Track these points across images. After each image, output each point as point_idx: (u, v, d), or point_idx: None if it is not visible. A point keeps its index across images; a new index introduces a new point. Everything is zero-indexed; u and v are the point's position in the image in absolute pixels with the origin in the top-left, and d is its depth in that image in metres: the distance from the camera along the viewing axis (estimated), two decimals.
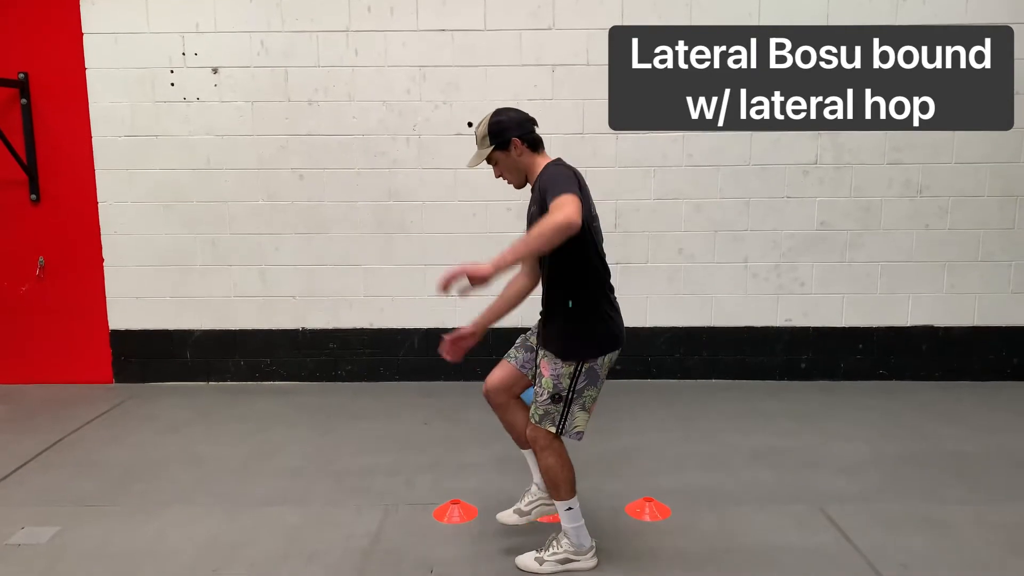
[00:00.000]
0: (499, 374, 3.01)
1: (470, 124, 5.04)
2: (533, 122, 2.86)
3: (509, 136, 2.77)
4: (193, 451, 4.15)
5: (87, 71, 5.04)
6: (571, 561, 2.88)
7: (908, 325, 5.28)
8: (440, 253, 5.19)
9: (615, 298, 2.85)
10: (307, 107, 5.05)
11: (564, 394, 2.74)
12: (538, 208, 2.68)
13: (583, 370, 2.73)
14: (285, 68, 5.01)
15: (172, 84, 5.03)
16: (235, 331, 5.29)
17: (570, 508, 2.85)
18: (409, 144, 5.09)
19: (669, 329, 5.26)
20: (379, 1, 4.93)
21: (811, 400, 4.94)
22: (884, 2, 4.95)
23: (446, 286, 2.56)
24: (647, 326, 5.24)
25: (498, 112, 2.86)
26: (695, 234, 5.17)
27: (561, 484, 2.82)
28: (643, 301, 5.22)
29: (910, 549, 3.05)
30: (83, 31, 5.00)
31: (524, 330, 3.14)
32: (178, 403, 4.95)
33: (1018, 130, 4.98)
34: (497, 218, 5.15)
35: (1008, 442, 4.19)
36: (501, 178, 2.92)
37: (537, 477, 3.04)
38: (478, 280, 2.47)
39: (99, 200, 5.16)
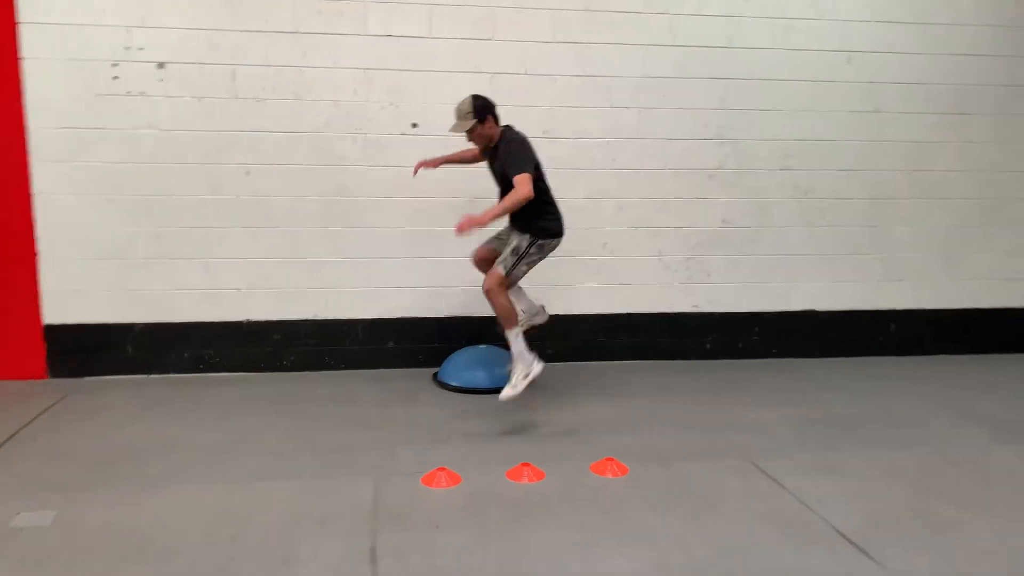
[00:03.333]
0: (483, 251, 4.71)
1: (414, 125, 5.36)
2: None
3: (487, 114, 4.29)
4: (164, 437, 4.24)
5: (22, 61, 4.96)
6: (528, 374, 4.26)
7: (795, 310, 6.08)
8: (386, 246, 5.48)
9: (556, 208, 4.49)
10: (255, 104, 5.20)
11: (520, 252, 4.33)
12: (501, 167, 4.31)
13: (538, 245, 4.36)
14: (233, 66, 5.14)
15: (115, 77, 5.05)
16: (178, 324, 5.35)
17: (517, 334, 4.29)
18: (356, 142, 5.35)
19: (595, 316, 5.80)
20: (328, 5, 5.16)
21: (719, 376, 5.62)
22: None
23: (464, 229, 4.01)
24: (575, 313, 5.76)
25: (477, 96, 4.32)
26: (618, 230, 5.74)
27: (511, 316, 4.29)
28: (572, 291, 5.73)
29: (824, 488, 3.69)
30: (17, 20, 4.92)
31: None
32: (126, 395, 4.97)
33: (882, 142, 5.90)
34: (440, 213, 5.50)
35: (882, 405, 5.00)
36: (472, 142, 4.45)
37: (524, 305, 4.71)
38: (477, 225, 4.03)
39: (34, 192, 5.08)
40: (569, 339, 5.76)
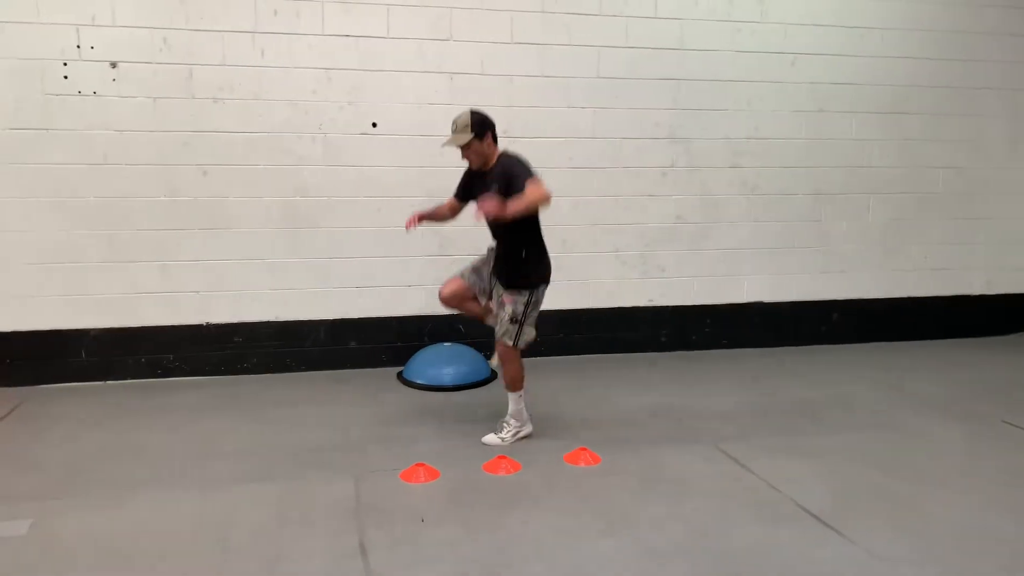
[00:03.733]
0: (452, 287, 4.20)
1: (375, 124, 5.38)
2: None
3: (485, 131, 3.91)
4: (131, 443, 4.17)
5: None
6: (519, 432, 4.16)
7: (744, 301, 6.32)
8: (346, 247, 5.48)
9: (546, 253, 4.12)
10: (212, 104, 5.13)
11: (519, 318, 3.99)
12: (501, 186, 3.81)
13: (532, 301, 4.01)
14: (189, 66, 5.06)
15: (65, 77, 4.91)
16: (135, 328, 5.24)
17: (520, 396, 4.17)
18: (315, 142, 5.33)
19: (556, 312, 5.89)
20: (286, 5, 5.14)
21: (675, 367, 5.80)
22: None
23: (490, 212, 3.67)
24: None
25: (475, 111, 3.93)
26: (575, 227, 5.85)
27: (519, 380, 4.15)
28: None
29: (789, 470, 3.88)
30: None
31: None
32: (83, 402, 4.85)
33: (824, 140, 6.18)
34: (400, 213, 5.47)
35: (833, 390, 5.26)
36: (465, 159, 4.02)
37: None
38: (500, 214, 3.66)
39: None
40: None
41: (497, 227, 3.98)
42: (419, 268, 5.61)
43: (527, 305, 3.99)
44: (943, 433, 4.46)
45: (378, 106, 5.37)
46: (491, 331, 4.25)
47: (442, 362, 5.31)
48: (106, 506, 3.42)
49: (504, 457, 3.91)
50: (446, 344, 5.52)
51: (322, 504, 3.47)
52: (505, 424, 4.20)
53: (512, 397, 4.17)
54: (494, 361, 4.36)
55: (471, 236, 5.56)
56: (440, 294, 4.23)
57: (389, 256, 5.55)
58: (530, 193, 3.69)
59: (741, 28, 5.88)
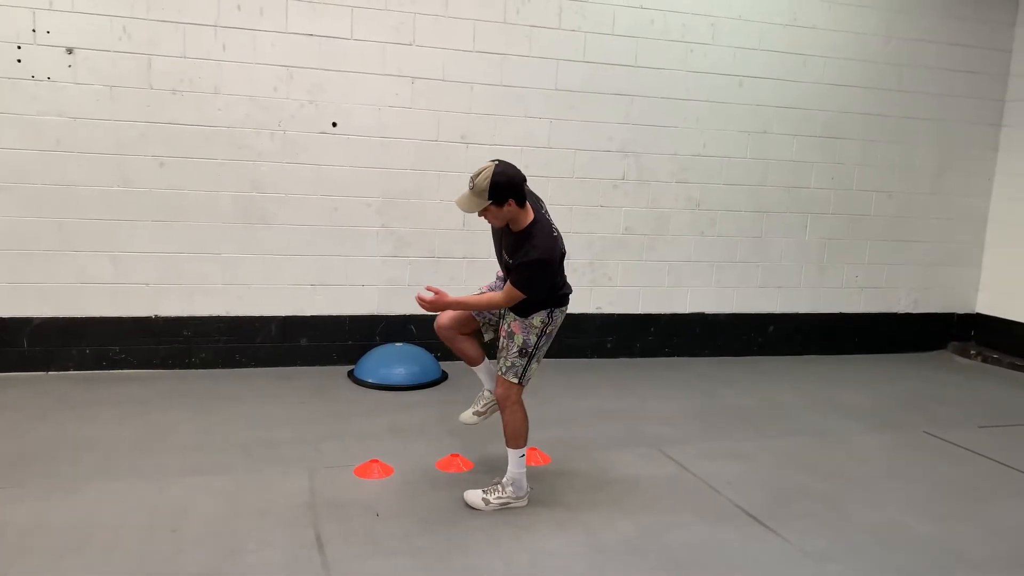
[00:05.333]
0: (453, 314, 3.63)
1: (335, 124, 5.42)
2: (524, 181, 3.28)
3: (507, 197, 3.19)
4: (77, 435, 4.12)
5: None
6: (509, 505, 3.51)
7: (686, 312, 6.55)
8: (301, 244, 5.50)
9: (565, 277, 3.56)
10: (171, 96, 5.10)
11: (530, 350, 3.43)
12: (509, 257, 3.34)
13: (547, 332, 3.46)
14: (148, 56, 5.02)
15: (19, 60, 4.82)
16: (81, 318, 5.16)
17: (522, 455, 3.51)
18: (274, 139, 5.34)
19: None
20: (249, 2, 5.14)
21: (620, 373, 5.98)
22: None
23: (428, 308, 3.40)
24: None
25: (500, 170, 3.19)
26: None
27: (521, 435, 3.50)
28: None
29: (729, 472, 4.09)
30: None
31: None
32: (25, 393, 4.76)
33: (766, 160, 6.47)
34: (357, 213, 5.57)
35: (767, 398, 5.52)
36: (484, 219, 3.33)
37: (489, 384, 3.74)
38: (441, 308, 3.44)
39: None
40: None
41: (502, 251, 3.48)
42: (374, 268, 5.67)
43: (540, 335, 3.43)
44: (868, 440, 4.75)
45: (339, 106, 5.41)
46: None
47: (394, 362, 5.37)
48: (56, 497, 3.40)
49: (458, 455, 4.00)
50: (397, 344, 5.58)
51: (277, 497, 3.51)
52: (498, 487, 3.51)
53: (512, 457, 3.47)
54: (467, 414, 3.84)
55: (428, 237, 5.72)
56: (437, 322, 3.68)
57: (343, 255, 5.59)
58: (491, 297, 3.42)
59: (693, 49, 6.11)
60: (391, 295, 5.74)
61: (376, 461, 3.87)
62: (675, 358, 6.53)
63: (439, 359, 5.62)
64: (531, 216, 3.32)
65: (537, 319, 3.42)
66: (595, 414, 4.94)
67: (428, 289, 3.44)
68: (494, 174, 3.16)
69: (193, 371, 5.39)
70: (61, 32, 4.86)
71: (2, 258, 4.97)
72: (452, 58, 5.59)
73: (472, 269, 5.75)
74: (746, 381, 5.95)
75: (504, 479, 3.53)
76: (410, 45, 5.50)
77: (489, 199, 3.17)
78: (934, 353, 7.27)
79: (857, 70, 6.59)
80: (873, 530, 3.53)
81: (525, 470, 3.53)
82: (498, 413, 3.66)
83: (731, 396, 5.53)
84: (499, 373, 3.52)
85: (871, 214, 6.91)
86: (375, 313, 5.72)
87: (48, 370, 5.15)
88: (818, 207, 6.74)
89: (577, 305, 6.15)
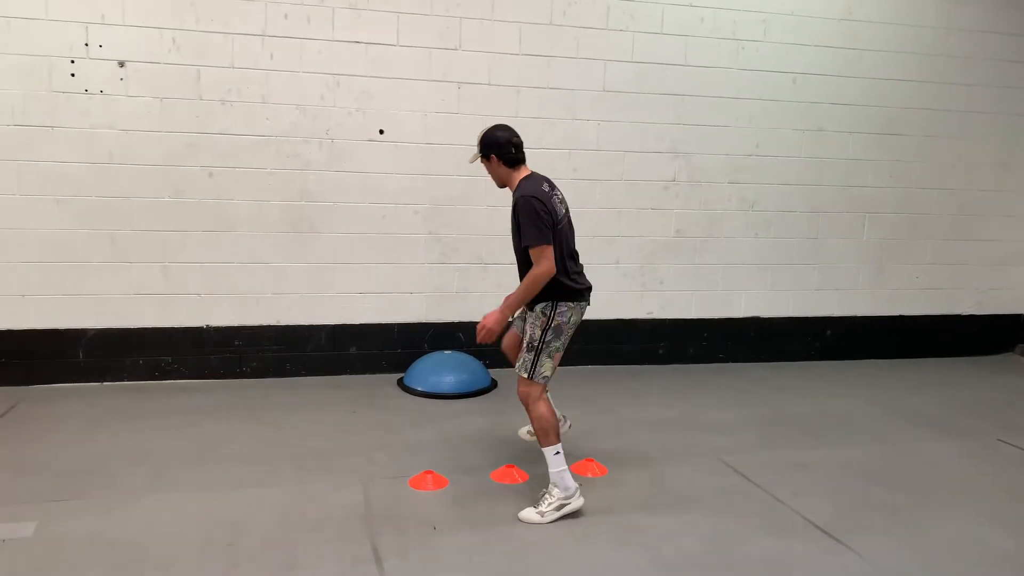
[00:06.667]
0: (509, 337, 3.91)
1: (381, 131, 5.39)
2: (515, 145, 3.57)
3: (490, 152, 3.58)
4: (132, 446, 4.13)
5: None
6: (564, 505, 3.42)
7: (740, 316, 6.38)
8: (349, 252, 5.47)
9: (579, 271, 3.67)
10: (219, 106, 5.11)
11: (536, 343, 3.47)
12: (514, 227, 3.53)
13: (551, 326, 3.46)
14: (197, 67, 5.04)
15: (72, 75, 4.87)
16: (134, 329, 5.20)
17: (557, 452, 3.45)
18: (322, 147, 5.32)
19: None
20: (296, 9, 5.13)
21: (673, 380, 5.84)
22: None
23: (485, 340, 3.48)
24: None
25: (493, 129, 3.62)
26: (578, 239, 5.86)
27: (550, 430, 3.45)
28: None
29: (794, 482, 3.93)
30: None
31: None
32: (81, 403, 4.79)
33: (821, 159, 6.28)
34: (404, 220, 5.53)
35: (827, 405, 5.32)
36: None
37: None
38: (495, 331, 3.47)
39: None
40: None
41: (517, 252, 3.60)
42: (421, 275, 5.62)
43: (545, 329, 3.45)
44: (938, 449, 4.54)
45: (385, 113, 5.38)
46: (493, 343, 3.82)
47: (443, 369, 5.31)
48: (112, 510, 3.39)
49: (513, 467, 3.91)
50: (447, 352, 5.52)
51: (332, 509, 3.46)
52: (546, 496, 3.44)
53: (547, 456, 3.44)
54: (523, 430, 4.13)
55: (475, 244, 5.65)
56: (503, 343, 3.92)
57: (391, 263, 5.56)
58: (527, 279, 3.40)
59: (745, 46, 5.96)
60: (439, 302, 5.68)
61: (430, 472, 3.80)
62: (729, 364, 6.36)
63: (488, 367, 5.55)
64: (523, 175, 3.59)
65: (539, 308, 3.48)
66: (651, 423, 4.81)
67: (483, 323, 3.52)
68: (486, 130, 3.62)
69: (244, 381, 5.39)
70: (113, 46, 4.91)
71: (58, 270, 5.03)
72: (498, 62, 5.53)
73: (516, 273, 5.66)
74: (804, 387, 5.77)
75: (549, 484, 3.47)
76: (456, 50, 5.44)
77: (480, 152, 3.61)
78: (1000, 356, 6.98)
79: (915, 64, 6.36)
80: (951, 545, 3.35)
81: (566, 467, 3.46)
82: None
83: (789, 403, 5.35)
84: (518, 373, 3.56)
85: (932, 212, 6.66)
86: (423, 320, 5.67)
87: (103, 381, 5.19)
88: (876, 206, 6.52)
89: (627, 310, 6.09)
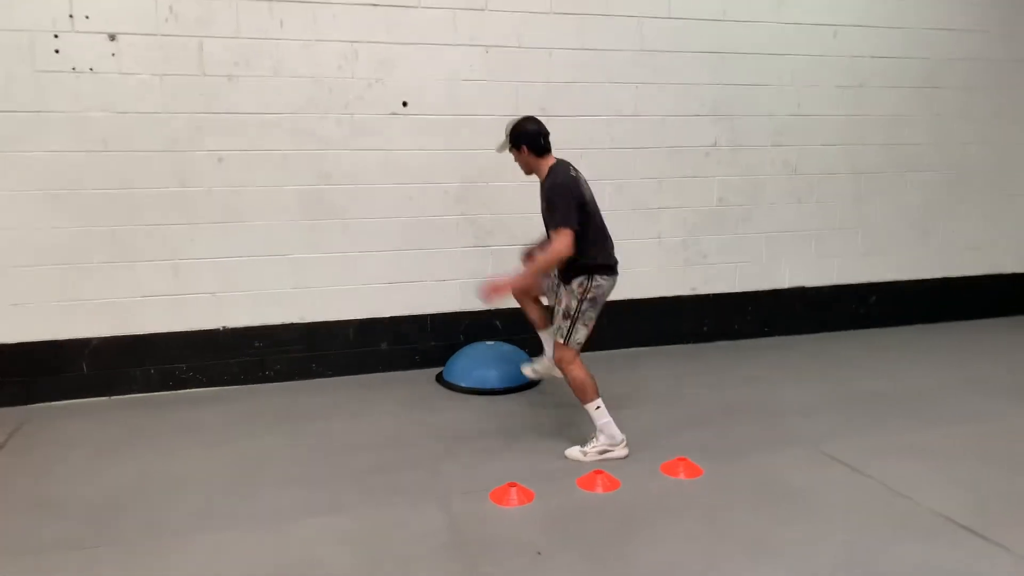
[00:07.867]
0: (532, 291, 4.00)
1: (405, 104, 4.89)
2: (543, 135, 3.72)
3: (520, 143, 3.73)
4: (160, 473, 3.63)
5: None
6: (608, 452, 3.70)
7: (785, 287, 6.02)
8: (374, 239, 4.98)
9: (610, 247, 3.78)
10: (226, 82, 4.56)
11: (572, 313, 3.66)
12: (546, 210, 3.67)
13: (588, 297, 3.64)
14: (199, 38, 4.48)
15: (57, 51, 4.29)
16: (142, 336, 4.67)
17: (598, 407, 3.69)
18: (341, 124, 4.80)
19: None
20: None
21: (723, 358, 5.47)
22: None
23: (489, 297, 3.66)
24: None
25: (523, 122, 3.75)
26: (617, 212, 5.43)
27: (588, 388, 3.68)
28: None
29: (910, 472, 3.56)
30: None
31: None
32: (90, 422, 4.27)
33: (862, 116, 5.91)
34: (435, 202, 5.05)
35: (899, 378, 4.99)
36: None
37: (549, 351, 3.95)
38: (502, 292, 3.65)
39: None
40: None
41: (545, 223, 3.72)
42: (454, 261, 5.15)
43: (581, 300, 3.65)
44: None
45: (408, 83, 4.87)
46: (530, 329, 4.13)
47: (487, 363, 4.87)
48: (154, 555, 2.90)
49: (600, 472, 3.50)
50: (488, 343, 5.08)
51: (413, 538, 3.02)
52: (592, 439, 3.75)
53: (590, 410, 3.72)
54: (529, 370, 4.19)
55: (510, 224, 5.19)
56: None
57: (421, 248, 5.08)
58: (543, 255, 3.61)
59: None
60: (474, 289, 5.20)
61: (515, 485, 3.37)
62: (775, 337, 6.02)
63: (532, 356, 5.11)
64: (551, 163, 3.73)
65: (575, 283, 3.65)
66: (724, 409, 4.44)
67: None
68: (515, 121, 3.75)
69: (268, 385, 4.90)
70: (101, 16, 4.32)
71: (54, 274, 4.47)
72: (528, 22, 5.04)
73: None
74: (864, 359, 5.44)
75: (596, 431, 3.73)
76: (483, 10, 4.94)
77: (508, 143, 3.75)
78: None
79: (958, 11, 5.99)
80: None
81: (610, 418, 3.71)
82: (557, 379, 4.01)
83: (858, 377, 5.01)
84: (555, 339, 3.74)
85: (975, 169, 6.36)
86: (458, 310, 5.21)
87: (111, 394, 4.66)
88: (917, 163, 6.18)
89: (671, 287, 5.69)
